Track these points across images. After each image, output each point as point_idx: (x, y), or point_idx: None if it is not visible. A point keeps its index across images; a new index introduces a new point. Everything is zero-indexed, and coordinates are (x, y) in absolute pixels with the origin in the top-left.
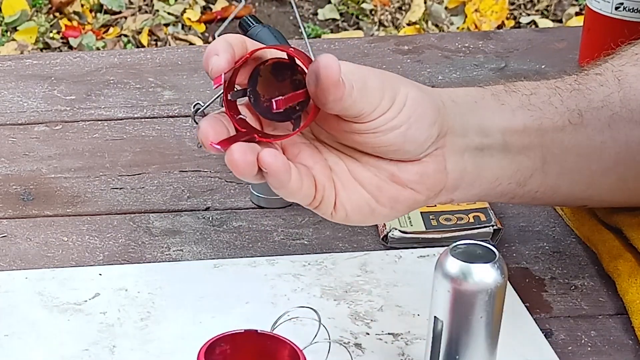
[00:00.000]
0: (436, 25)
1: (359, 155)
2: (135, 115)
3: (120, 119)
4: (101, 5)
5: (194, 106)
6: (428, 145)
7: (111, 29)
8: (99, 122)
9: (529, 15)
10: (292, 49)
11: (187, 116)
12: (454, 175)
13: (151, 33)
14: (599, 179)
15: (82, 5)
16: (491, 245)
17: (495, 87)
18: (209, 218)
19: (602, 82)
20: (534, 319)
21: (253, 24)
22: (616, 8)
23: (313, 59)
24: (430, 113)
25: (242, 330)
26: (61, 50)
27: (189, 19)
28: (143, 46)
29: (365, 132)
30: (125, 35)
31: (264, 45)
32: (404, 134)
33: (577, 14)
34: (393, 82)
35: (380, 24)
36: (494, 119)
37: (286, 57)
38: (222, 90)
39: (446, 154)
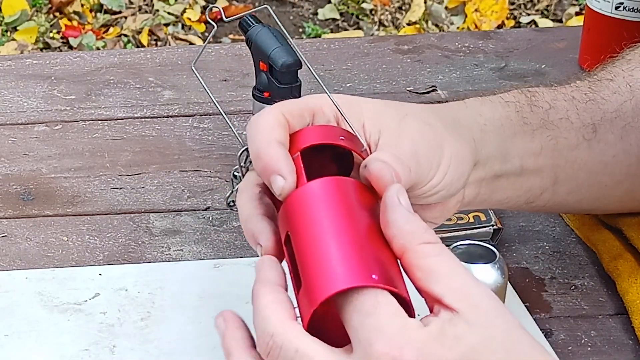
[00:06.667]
0: (436, 25)
1: None
2: (135, 115)
3: (120, 119)
4: (101, 5)
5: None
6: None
7: (111, 29)
8: (99, 122)
9: (529, 15)
10: (339, 138)
11: (187, 116)
12: (468, 199)
13: (151, 33)
14: (609, 192)
15: (82, 5)
16: (491, 245)
17: (518, 99)
18: (209, 218)
19: (615, 89)
20: (534, 319)
21: (253, 24)
22: (616, 8)
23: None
24: (468, 168)
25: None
26: (61, 50)
27: (189, 19)
28: (143, 46)
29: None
30: (125, 35)
31: (312, 141)
32: (443, 195)
33: (577, 13)
34: (438, 141)
35: (380, 23)
36: (515, 143)
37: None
38: None
39: (466, 185)
